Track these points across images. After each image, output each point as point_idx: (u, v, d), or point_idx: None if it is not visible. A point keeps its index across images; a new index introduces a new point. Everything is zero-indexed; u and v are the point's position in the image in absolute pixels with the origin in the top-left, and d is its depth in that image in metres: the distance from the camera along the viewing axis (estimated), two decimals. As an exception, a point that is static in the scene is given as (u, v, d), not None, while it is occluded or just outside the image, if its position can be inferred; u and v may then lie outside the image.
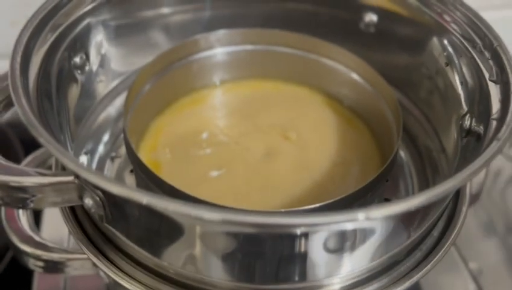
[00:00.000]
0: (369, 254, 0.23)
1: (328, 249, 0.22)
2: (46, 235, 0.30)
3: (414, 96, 0.32)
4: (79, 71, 0.29)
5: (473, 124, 0.26)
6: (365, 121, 0.33)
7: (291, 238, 0.21)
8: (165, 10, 0.32)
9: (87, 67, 0.29)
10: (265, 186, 0.29)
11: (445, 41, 0.29)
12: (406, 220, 0.23)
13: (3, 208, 0.30)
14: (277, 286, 0.23)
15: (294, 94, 0.34)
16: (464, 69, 0.28)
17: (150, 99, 0.31)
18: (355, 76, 0.32)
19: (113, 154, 0.31)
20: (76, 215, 0.25)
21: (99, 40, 0.29)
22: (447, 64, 0.29)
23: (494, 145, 0.22)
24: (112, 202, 0.22)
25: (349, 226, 0.21)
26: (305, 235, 0.21)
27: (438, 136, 0.30)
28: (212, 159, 0.30)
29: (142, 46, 0.32)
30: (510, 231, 0.40)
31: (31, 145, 0.33)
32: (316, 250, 0.21)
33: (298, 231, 0.20)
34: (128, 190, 0.18)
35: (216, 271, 0.22)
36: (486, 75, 0.26)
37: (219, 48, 0.33)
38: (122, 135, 0.31)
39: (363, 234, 0.22)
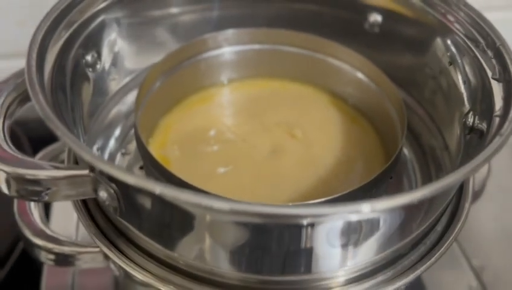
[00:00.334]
0: (374, 248, 0.23)
1: (333, 242, 0.22)
2: (55, 228, 0.30)
3: (418, 96, 0.33)
4: (90, 69, 0.29)
5: (476, 121, 0.27)
6: (370, 119, 0.33)
7: (298, 230, 0.21)
8: (175, 10, 0.33)
9: (98, 66, 0.30)
10: (271, 183, 0.29)
11: (449, 41, 0.30)
12: (411, 215, 0.24)
13: (15, 202, 0.31)
14: (283, 278, 0.23)
15: (300, 93, 0.35)
16: (467, 68, 0.28)
17: (160, 97, 0.31)
18: (360, 75, 0.33)
19: (123, 150, 0.32)
20: (88, 209, 0.26)
21: (112, 37, 0.30)
22: (450, 64, 0.30)
23: (497, 140, 0.22)
24: (125, 194, 0.22)
25: (354, 218, 0.21)
26: (311, 226, 0.21)
27: (441, 134, 0.31)
28: (220, 156, 0.31)
29: (153, 44, 0.33)
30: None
31: (38, 143, 0.34)
32: (322, 243, 0.22)
33: (304, 222, 0.21)
34: (143, 181, 0.19)
35: (224, 262, 0.23)
36: (489, 74, 0.26)
37: (227, 47, 0.33)
38: (131, 132, 0.32)
39: (368, 228, 0.22)
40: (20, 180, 0.23)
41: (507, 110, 0.24)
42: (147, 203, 0.22)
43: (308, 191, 0.29)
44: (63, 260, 0.29)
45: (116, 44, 0.30)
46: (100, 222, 0.25)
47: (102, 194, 0.22)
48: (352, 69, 0.33)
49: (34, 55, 0.24)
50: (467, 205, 0.27)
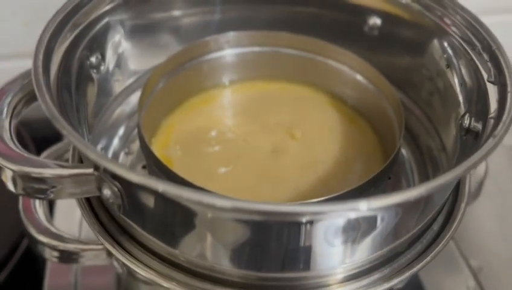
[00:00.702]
0: (371, 246, 0.24)
1: (331, 240, 0.23)
2: (58, 226, 0.31)
3: (415, 97, 0.33)
4: (95, 70, 0.30)
5: (472, 123, 0.27)
6: (368, 120, 0.34)
7: (297, 228, 0.22)
8: (178, 13, 0.33)
9: (102, 67, 0.30)
10: (271, 182, 0.30)
11: (446, 44, 0.30)
12: (408, 213, 0.24)
13: (20, 200, 0.31)
14: (282, 275, 0.23)
15: (300, 94, 0.35)
16: (463, 71, 0.29)
17: (162, 98, 0.32)
18: (359, 77, 0.33)
19: (126, 150, 0.32)
20: (92, 207, 0.26)
21: (117, 39, 0.30)
22: (447, 66, 0.30)
23: (491, 141, 0.23)
24: (129, 192, 0.23)
25: (351, 216, 0.22)
26: (310, 224, 0.22)
27: (438, 135, 0.31)
28: (221, 156, 0.31)
29: (156, 46, 0.33)
30: (510, 229, 0.41)
31: (42, 143, 0.34)
32: (320, 240, 0.22)
33: (303, 219, 0.21)
34: (147, 179, 0.19)
35: (225, 260, 0.23)
36: (485, 76, 0.27)
37: (228, 50, 0.34)
38: (134, 132, 0.33)
39: (366, 226, 0.23)
40: (26, 178, 0.23)
41: (501, 112, 0.24)
42: (150, 201, 0.23)
43: (307, 190, 0.29)
44: (67, 257, 0.30)
45: (120, 46, 0.31)
46: (103, 219, 0.26)
47: (106, 192, 0.23)
48: (351, 70, 0.33)
49: (41, 57, 0.24)
50: (463, 205, 0.27)
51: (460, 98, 0.29)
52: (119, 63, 0.31)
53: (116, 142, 0.32)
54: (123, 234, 0.25)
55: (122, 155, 0.32)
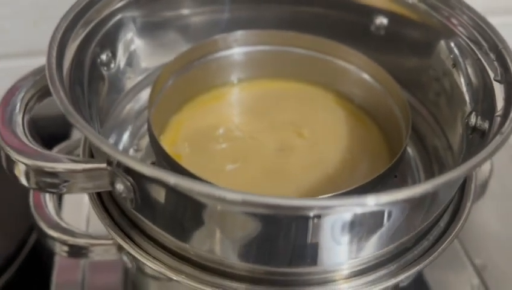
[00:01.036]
0: (378, 242, 0.24)
1: (338, 236, 0.23)
2: (66, 220, 0.31)
3: (422, 97, 0.33)
4: (105, 68, 0.30)
5: (478, 121, 0.27)
6: (375, 119, 0.34)
7: (304, 224, 0.22)
8: (187, 11, 0.34)
9: (112, 65, 0.31)
10: (278, 179, 0.30)
11: (452, 44, 0.30)
12: (414, 210, 0.24)
13: (31, 195, 0.32)
14: (290, 269, 0.24)
15: (307, 93, 0.35)
16: (470, 70, 0.29)
17: (171, 95, 0.32)
18: (365, 76, 0.34)
19: (135, 147, 0.33)
20: (102, 201, 0.27)
21: (129, 36, 0.31)
22: (453, 66, 0.30)
23: (498, 138, 0.23)
24: (141, 187, 0.23)
25: (359, 211, 0.22)
26: (318, 219, 0.22)
27: (445, 134, 0.31)
28: (229, 153, 0.31)
29: (166, 44, 0.33)
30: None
31: (49, 140, 0.35)
32: (327, 236, 0.23)
33: (311, 214, 0.21)
34: (159, 172, 0.20)
35: (234, 254, 0.23)
36: (491, 75, 0.27)
37: (236, 48, 0.34)
38: (143, 129, 0.33)
39: (373, 222, 0.23)
40: (39, 172, 0.23)
41: (508, 110, 0.25)
42: (161, 195, 0.23)
43: (313, 188, 0.29)
44: (77, 252, 0.30)
45: (132, 43, 0.31)
46: (114, 214, 0.26)
47: (119, 187, 0.23)
48: (358, 70, 0.34)
49: (54, 53, 0.25)
50: (468, 204, 0.27)
51: (467, 97, 0.29)
52: (131, 60, 0.32)
53: (126, 138, 0.32)
54: (133, 229, 0.25)
55: (131, 151, 0.32)
